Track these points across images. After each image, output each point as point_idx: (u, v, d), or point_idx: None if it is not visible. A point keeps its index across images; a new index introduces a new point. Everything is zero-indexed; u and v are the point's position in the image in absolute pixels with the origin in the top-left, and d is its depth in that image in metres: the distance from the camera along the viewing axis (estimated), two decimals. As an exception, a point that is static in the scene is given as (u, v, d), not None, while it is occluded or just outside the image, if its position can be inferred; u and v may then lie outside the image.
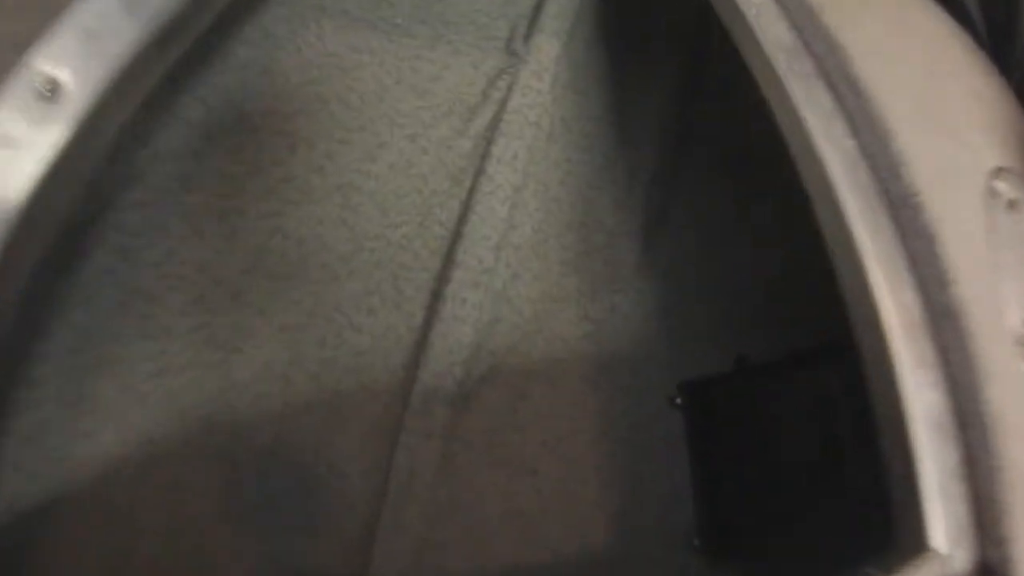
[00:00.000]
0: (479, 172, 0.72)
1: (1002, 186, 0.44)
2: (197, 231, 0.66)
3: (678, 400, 0.76)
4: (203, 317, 0.66)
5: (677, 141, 0.81)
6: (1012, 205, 0.46)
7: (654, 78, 0.82)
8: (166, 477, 0.66)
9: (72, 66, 0.38)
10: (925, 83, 0.46)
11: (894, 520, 0.39)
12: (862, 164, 0.41)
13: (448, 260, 0.70)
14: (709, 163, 0.81)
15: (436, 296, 0.70)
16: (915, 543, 0.37)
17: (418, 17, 0.73)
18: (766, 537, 0.69)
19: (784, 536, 0.66)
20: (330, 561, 0.69)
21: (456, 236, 0.70)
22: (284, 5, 0.69)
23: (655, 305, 0.77)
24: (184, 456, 0.66)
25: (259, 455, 0.68)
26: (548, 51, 0.74)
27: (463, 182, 0.72)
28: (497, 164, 0.72)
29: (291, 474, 0.69)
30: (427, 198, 0.72)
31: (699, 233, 0.80)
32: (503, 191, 0.72)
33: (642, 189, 0.79)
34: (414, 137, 0.73)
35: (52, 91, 0.39)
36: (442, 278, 0.70)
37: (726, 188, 0.81)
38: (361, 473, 0.69)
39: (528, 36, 0.75)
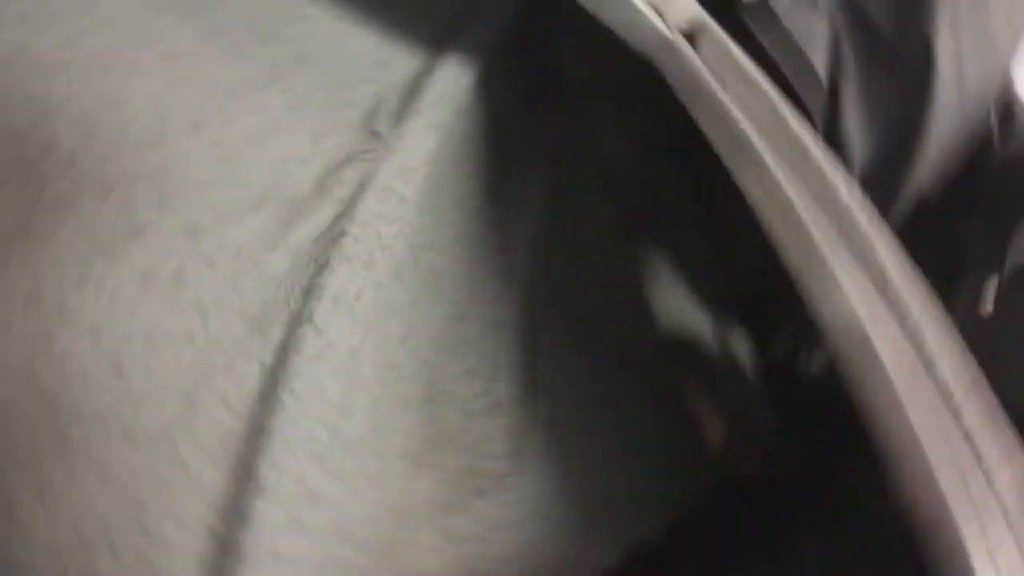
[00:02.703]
0: (299, 318, 0.38)
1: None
2: None
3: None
4: None
5: (542, 298, 0.60)
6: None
7: (518, 216, 0.61)
8: None
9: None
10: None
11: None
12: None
13: (241, 475, 0.35)
14: (569, 330, 0.62)
15: (222, 546, 0.34)
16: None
17: (252, 30, 0.40)
18: None
19: None
20: None
21: (256, 434, 0.35)
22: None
23: (533, 504, 0.50)
24: None
25: None
26: (424, 143, 0.45)
27: (268, 331, 0.38)
28: (332, 307, 0.41)
29: None
30: (203, 352, 0.36)
31: (572, 404, 0.59)
32: (337, 356, 0.38)
33: (503, 354, 0.52)
34: (194, 231, 0.38)
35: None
36: (230, 514, 0.34)
37: (589, 362, 0.62)
38: None
39: (400, 117, 0.45)
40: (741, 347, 0.87)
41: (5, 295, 0.36)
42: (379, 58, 0.45)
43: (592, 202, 0.68)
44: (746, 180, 0.38)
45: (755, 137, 0.38)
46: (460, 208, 0.52)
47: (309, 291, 0.40)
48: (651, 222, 0.73)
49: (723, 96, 0.39)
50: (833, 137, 0.50)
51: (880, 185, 0.48)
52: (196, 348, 0.36)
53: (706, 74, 0.40)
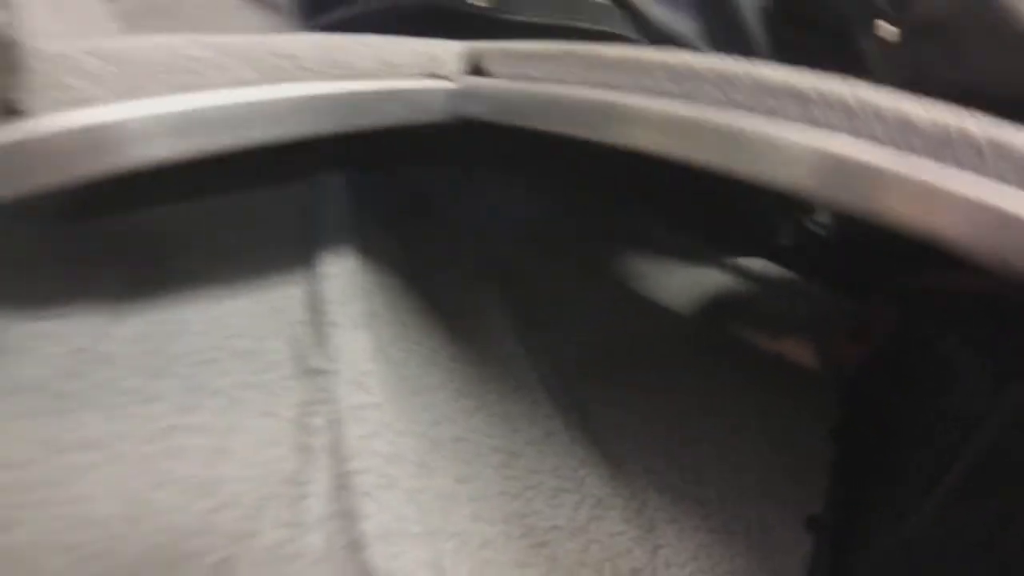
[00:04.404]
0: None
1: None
2: None
3: None
4: None
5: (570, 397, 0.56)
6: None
7: (485, 337, 0.55)
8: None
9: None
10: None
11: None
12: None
13: None
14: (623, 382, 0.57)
15: None
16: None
17: (134, 364, 0.39)
18: None
19: None
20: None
21: None
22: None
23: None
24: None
25: None
26: (361, 345, 0.42)
27: None
28: (386, 545, 0.38)
29: None
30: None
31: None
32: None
33: (576, 452, 0.46)
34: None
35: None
36: None
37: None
38: None
39: (321, 339, 0.43)
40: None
41: None
42: (266, 309, 0.44)
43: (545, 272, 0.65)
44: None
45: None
46: (432, 365, 0.49)
47: (353, 545, 0.36)
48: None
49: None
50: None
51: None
52: None
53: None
